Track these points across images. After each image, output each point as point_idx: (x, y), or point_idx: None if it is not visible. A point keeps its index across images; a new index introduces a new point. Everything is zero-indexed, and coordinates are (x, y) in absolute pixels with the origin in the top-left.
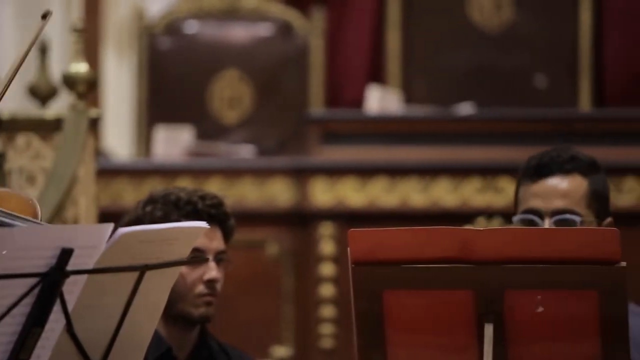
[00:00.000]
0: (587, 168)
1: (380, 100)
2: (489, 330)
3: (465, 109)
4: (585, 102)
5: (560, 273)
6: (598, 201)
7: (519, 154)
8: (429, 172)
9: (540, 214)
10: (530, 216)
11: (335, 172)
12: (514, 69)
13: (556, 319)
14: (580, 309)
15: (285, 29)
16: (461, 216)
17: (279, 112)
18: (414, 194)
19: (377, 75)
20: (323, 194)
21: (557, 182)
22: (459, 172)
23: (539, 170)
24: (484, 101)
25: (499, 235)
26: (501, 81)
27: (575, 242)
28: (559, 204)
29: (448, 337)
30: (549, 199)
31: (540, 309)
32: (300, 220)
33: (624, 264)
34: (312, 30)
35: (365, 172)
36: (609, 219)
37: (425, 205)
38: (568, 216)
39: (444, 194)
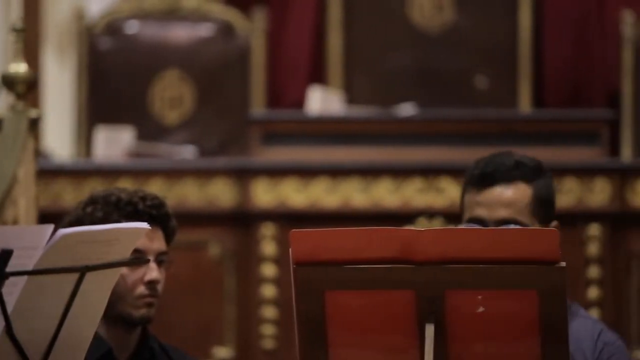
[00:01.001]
0: (531, 174)
1: (322, 101)
2: (429, 330)
3: (407, 109)
4: (525, 103)
5: (500, 273)
6: (543, 207)
7: (460, 155)
8: (370, 172)
9: (485, 224)
10: (474, 225)
11: (276, 172)
12: (455, 70)
13: (497, 318)
14: (521, 308)
15: (226, 30)
16: (402, 216)
17: (221, 112)
18: (355, 195)
19: (318, 76)
20: (265, 194)
21: (501, 192)
22: (400, 172)
23: (483, 179)
24: (425, 102)
25: (440, 236)
26: (442, 82)
27: (515, 242)
28: (503, 213)
29: (389, 338)
30: (493, 208)
31: (481, 309)
32: (242, 221)
33: (563, 264)
34: (253, 30)
35: (307, 172)
36: (554, 223)
37: (366, 206)
38: (512, 226)
39: (386, 194)
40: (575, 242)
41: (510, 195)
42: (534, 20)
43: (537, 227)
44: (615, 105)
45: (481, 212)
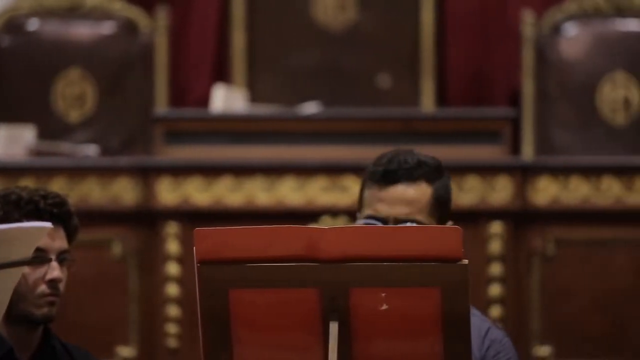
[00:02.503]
0: (433, 174)
1: (226, 99)
2: (333, 328)
3: (310, 108)
4: (428, 102)
5: (404, 271)
6: (441, 206)
7: (363, 153)
8: (274, 171)
9: (384, 220)
10: (374, 221)
11: (180, 171)
12: (358, 68)
13: (400, 316)
14: (424, 306)
15: (128, 27)
16: (306, 215)
17: (124, 111)
18: (259, 193)
19: (222, 74)
20: (168, 193)
21: (403, 190)
22: (304, 171)
23: (385, 177)
24: (329, 101)
25: (344, 234)
26: (345, 81)
27: (418, 240)
28: (402, 211)
29: (293, 336)
30: (394, 205)
31: (385, 307)
32: (145, 219)
33: (466, 261)
34: (156, 28)
35: (211, 171)
36: (449, 223)
37: (270, 204)
38: (410, 224)
39: (289, 192)
40: (478, 239)
41: (412, 194)
42: (436, 19)
43: None
44: (517, 104)
45: (382, 209)
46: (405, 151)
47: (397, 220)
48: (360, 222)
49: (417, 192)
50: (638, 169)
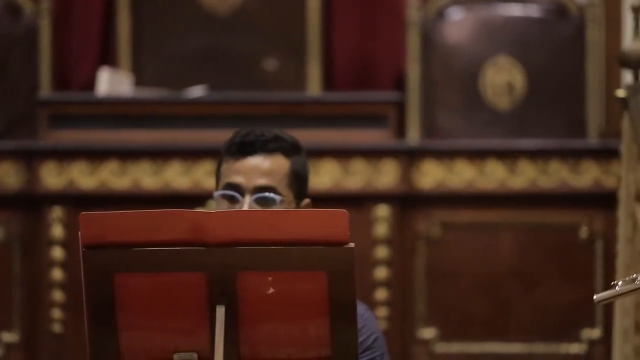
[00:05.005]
0: (290, 149)
1: (111, 82)
2: (220, 312)
3: (196, 92)
4: (314, 86)
5: (290, 254)
6: (298, 182)
7: None
8: (160, 155)
9: (241, 191)
10: (231, 192)
11: (65, 155)
12: (244, 52)
13: (287, 300)
14: (310, 289)
15: (12, 9)
16: (193, 199)
17: (7, 94)
18: (145, 177)
19: (107, 57)
20: (53, 177)
21: (260, 161)
22: (190, 154)
23: (242, 148)
24: (215, 84)
25: (231, 218)
26: (231, 64)
27: (305, 223)
28: (260, 181)
29: (180, 320)
30: (251, 176)
31: (272, 291)
32: (29, 204)
33: (352, 245)
34: (40, 11)
35: (96, 155)
36: (307, 200)
37: (157, 188)
38: (268, 194)
39: (176, 176)
40: (364, 223)
41: (269, 165)
42: (322, 3)
43: (291, 200)
44: (402, 88)
45: (238, 179)
46: (262, 127)
47: (255, 191)
48: (216, 194)
49: (274, 164)
50: (522, 152)
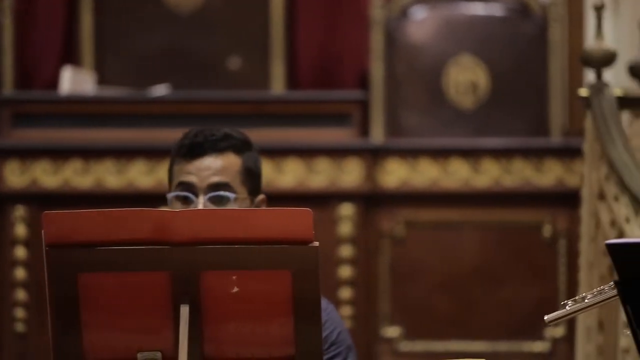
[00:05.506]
0: (240, 146)
1: (74, 81)
2: (184, 311)
3: (160, 90)
4: (278, 85)
5: (254, 253)
6: (251, 179)
7: None
8: (124, 154)
9: (195, 190)
10: (185, 193)
11: (28, 154)
12: (208, 51)
13: (251, 299)
14: (275, 288)
15: None
16: (157, 197)
17: None
18: (108, 176)
19: (70, 56)
20: (16, 176)
21: (212, 160)
22: (154, 153)
23: (192, 150)
24: (179, 83)
25: (195, 217)
26: (195, 63)
27: (269, 222)
28: (214, 179)
29: (144, 319)
30: (204, 175)
31: (236, 290)
32: None
33: (316, 243)
34: (3, 9)
35: (59, 153)
36: (261, 196)
37: (120, 187)
38: (222, 193)
39: (139, 175)
40: (328, 222)
41: (221, 163)
42: (286, 1)
43: (245, 197)
44: (366, 87)
45: (191, 179)
46: (211, 127)
47: (209, 189)
48: (170, 196)
49: (226, 162)
50: (485, 151)
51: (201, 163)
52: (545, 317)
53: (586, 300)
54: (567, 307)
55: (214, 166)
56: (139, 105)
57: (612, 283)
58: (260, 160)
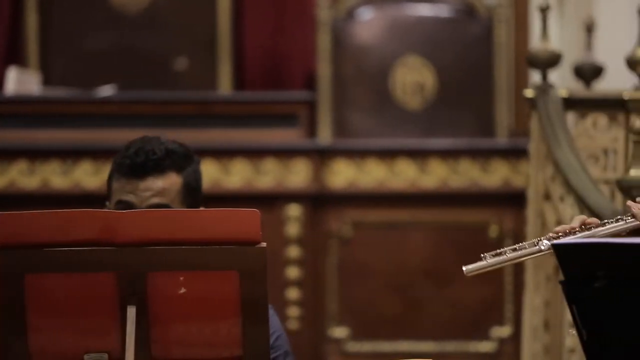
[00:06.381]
0: (181, 162)
1: (19, 82)
2: (131, 312)
3: (106, 91)
4: (225, 85)
5: (202, 254)
6: (191, 194)
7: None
8: (70, 154)
9: (134, 207)
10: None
11: None
12: (155, 51)
13: (198, 299)
14: (222, 289)
15: None
16: (103, 198)
17: None
18: (54, 177)
19: (15, 57)
20: None
21: (152, 182)
22: (100, 154)
23: (133, 170)
24: (125, 83)
25: (142, 218)
26: (142, 63)
27: (216, 223)
28: (154, 200)
29: (91, 320)
30: (144, 196)
31: (183, 290)
32: None
33: (264, 244)
34: None
35: (4, 154)
36: (201, 208)
37: (66, 188)
38: None
39: (86, 176)
40: (275, 222)
41: (162, 185)
42: (233, 1)
43: None
44: (313, 88)
45: (131, 198)
46: (152, 139)
47: (149, 208)
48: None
49: (166, 183)
50: (432, 152)
51: (141, 184)
52: (464, 268)
53: (503, 256)
54: (487, 260)
55: (154, 187)
56: (85, 106)
57: (533, 240)
58: (200, 171)
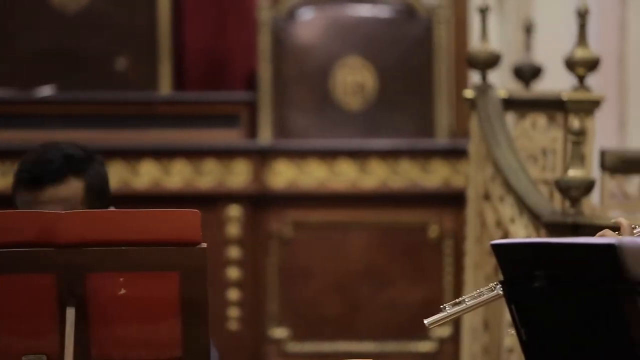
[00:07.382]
0: (81, 166)
1: None
2: (70, 314)
3: (46, 91)
4: (165, 85)
5: (142, 255)
6: (97, 197)
7: (101, 137)
8: (8, 155)
9: None
10: None
11: None
12: (94, 51)
13: (138, 300)
14: (162, 290)
15: None
16: None
17: None
18: None
19: None
20: None
21: (54, 192)
22: None
23: (31, 183)
24: (65, 84)
25: (81, 218)
26: (81, 63)
27: (157, 223)
28: (59, 209)
29: (29, 322)
30: (47, 207)
31: (123, 291)
32: None
33: (204, 245)
34: None
35: None
36: (111, 208)
37: (5, 189)
38: None
39: None
40: (216, 223)
41: (63, 194)
42: (173, 2)
43: None
44: (254, 88)
45: (39, 209)
46: (50, 148)
47: None
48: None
49: (68, 191)
50: (372, 152)
51: (42, 195)
52: (425, 321)
53: (466, 303)
54: (447, 311)
55: (55, 197)
56: (24, 106)
57: (490, 285)
58: (106, 171)
